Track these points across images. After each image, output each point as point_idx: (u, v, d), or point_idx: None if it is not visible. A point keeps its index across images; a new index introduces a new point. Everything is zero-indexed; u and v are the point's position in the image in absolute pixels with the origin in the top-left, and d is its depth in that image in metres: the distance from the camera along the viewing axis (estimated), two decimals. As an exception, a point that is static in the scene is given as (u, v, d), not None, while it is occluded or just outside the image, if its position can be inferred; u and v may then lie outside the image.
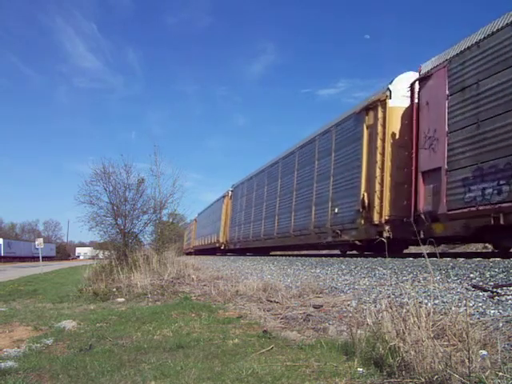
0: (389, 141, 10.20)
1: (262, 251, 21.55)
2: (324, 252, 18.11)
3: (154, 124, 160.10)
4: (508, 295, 3.99)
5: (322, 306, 4.98)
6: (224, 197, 27.77)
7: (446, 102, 8.42)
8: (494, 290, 4.22)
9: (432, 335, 2.46)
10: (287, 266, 10.19)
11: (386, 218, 9.93)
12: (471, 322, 2.78)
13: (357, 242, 11.32)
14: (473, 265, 5.85)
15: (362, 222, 10.68)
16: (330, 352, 3.07)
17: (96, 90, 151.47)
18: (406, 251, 11.62)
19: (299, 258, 13.67)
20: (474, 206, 7.50)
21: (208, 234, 31.90)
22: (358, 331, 3.08)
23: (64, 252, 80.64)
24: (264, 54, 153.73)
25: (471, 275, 5.10)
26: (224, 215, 26.91)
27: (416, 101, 9.47)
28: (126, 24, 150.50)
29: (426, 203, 8.78)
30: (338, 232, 11.75)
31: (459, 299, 4.12)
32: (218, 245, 27.33)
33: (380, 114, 10.46)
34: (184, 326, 4.34)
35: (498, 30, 7.42)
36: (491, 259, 6.38)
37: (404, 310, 2.82)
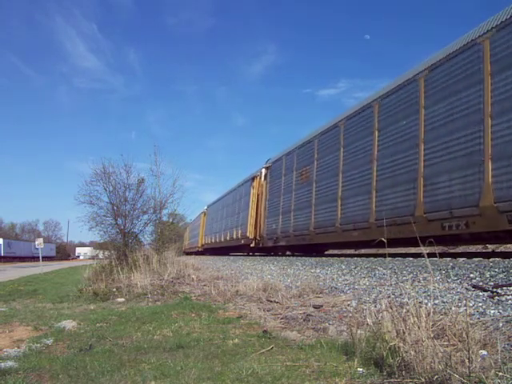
0: None
1: (320, 249, 15.13)
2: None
3: (154, 124, 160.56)
4: (508, 295, 3.99)
5: (322, 305, 4.98)
6: (253, 178, 20.24)
7: None
8: (494, 289, 4.22)
9: (432, 335, 2.46)
10: (287, 265, 10.19)
11: None
12: (471, 322, 2.79)
13: None
14: (473, 265, 5.86)
15: None
16: (330, 352, 3.07)
17: (96, 90, 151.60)
18: (405, 251, 11.46)
19: (299, 257, 13.64)
20: None
21: (226, 228, 24.89)
22: (358, 331, 3.08)
23: (64, 252, 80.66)
24: (265, 55, 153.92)
25: (471, 275, 5.10)
26: (253, 202, 19.83)
27: None
28: (126, 24, 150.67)
29: None
30: None
31: (459, 299, 4.11)
32: (243, 242, 20.44)
33: None
34: (184, 326, 4.34)
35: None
36: (491, 259, 6.39)
37: (404, 310, 2.82)
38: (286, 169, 16.46)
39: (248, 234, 19.73)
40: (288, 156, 16.47)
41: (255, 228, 19.37)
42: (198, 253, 34.21)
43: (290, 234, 14.91)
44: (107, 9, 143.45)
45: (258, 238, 18.99)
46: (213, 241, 28.82)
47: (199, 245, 34.39)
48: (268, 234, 17.45)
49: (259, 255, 19.41)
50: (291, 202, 15.16)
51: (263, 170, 19.38)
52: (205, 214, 33.96)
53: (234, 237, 22.39)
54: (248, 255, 21.36)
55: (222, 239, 25.51)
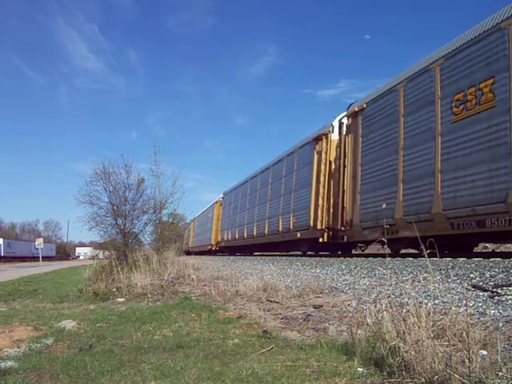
0: None
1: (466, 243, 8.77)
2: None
3: (155, 124, 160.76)
4: (508, 295, 3.99)
5: (322, 305, 4.98)
6: (318, 139, 13.53)
7: None
8: (494, 289, 4.22)
9: (432, 335, 2.46)
10: (287, 266, 10.19)
11: None
12: (471, 321, 2.78)
13: None
14: (473, 265, 5.86)
15: None
16: (330, 352, 3.06)
17: (97, 91, 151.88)
18: (404, 251, 11.45)
19: (299, 257, 13.61)
20: None
21: (261, 219, 18.16)
22: (358, 331, 3.08)
23: (64, 252, 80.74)
24: (265, 55, 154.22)
25: (471, 275, 5.10)
26: (322, 174, 13.13)
27: None
28: (127, 25, 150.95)
29: None
30: None
31: (459, 299, 4.11)
32: (301, 235, 14.01)
33: None
34: (184, 326, 4.34)
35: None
36: (491, 259, 6.38)
37: (404, 310, 2.82)
38: (407, 104, 9.34)
39: (313, 223, 13.09)
40: (414, 80, 9.21)
41: (327, 213, 12.73)
42: (210, 252, 28.74)
43: (433, 217, 8.23)
44: (108, 9, 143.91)
45: (339, 227, 11.91)
46: (236, 237, 21.73)
47: (212, 242, 28.13)
48: (365, 220, 10.63)
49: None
50: (434, 156, 8.35)
51: (344, 120, 12.15)
52: (220, 204, 27.53)
53: (280, 229, 15.65)
54: (305, 255, 14.16)
55: (255, 234, 18.60)
